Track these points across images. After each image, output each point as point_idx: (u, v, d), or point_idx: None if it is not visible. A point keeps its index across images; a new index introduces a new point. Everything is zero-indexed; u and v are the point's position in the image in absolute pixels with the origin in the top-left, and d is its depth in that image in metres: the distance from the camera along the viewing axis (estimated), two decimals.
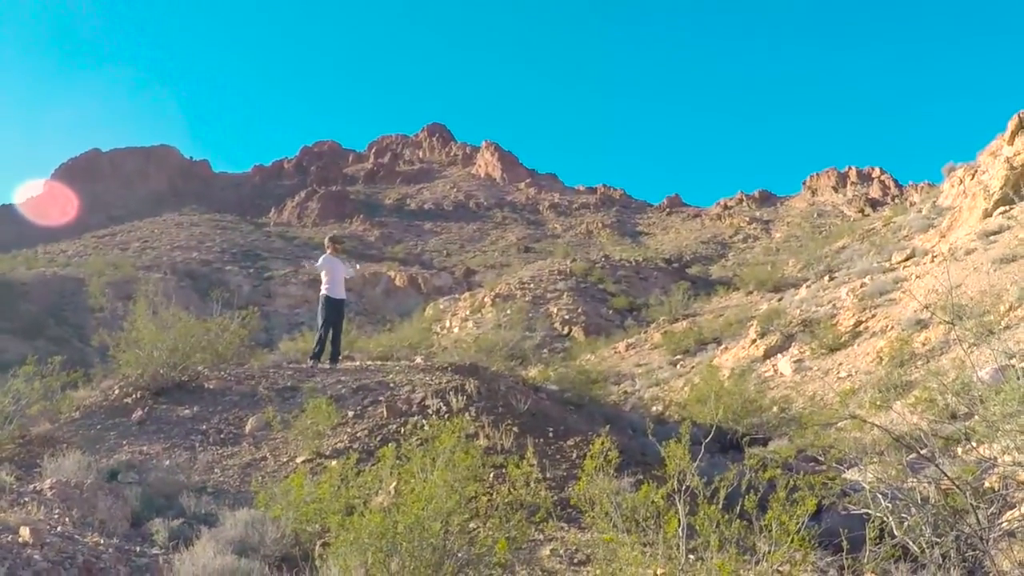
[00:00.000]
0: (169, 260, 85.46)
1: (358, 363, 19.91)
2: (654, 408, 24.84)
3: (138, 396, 15.65)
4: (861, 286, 31.74)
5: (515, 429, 13.25)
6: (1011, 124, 38.99)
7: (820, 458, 11.69)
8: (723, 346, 33.74)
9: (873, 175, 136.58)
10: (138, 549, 8.77)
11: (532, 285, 58.22)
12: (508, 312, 50.69)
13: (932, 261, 31.45)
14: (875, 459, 10.54)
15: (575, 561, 9.15)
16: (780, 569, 6.30)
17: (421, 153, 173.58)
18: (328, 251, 19.86)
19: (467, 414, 13.57)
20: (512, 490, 8.63)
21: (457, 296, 65.96)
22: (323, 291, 19.64)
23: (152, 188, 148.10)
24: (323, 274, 19.60)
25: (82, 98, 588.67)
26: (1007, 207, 32.01)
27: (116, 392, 15.95)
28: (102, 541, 8.57)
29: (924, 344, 22.36)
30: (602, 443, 7.70)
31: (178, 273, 77.03)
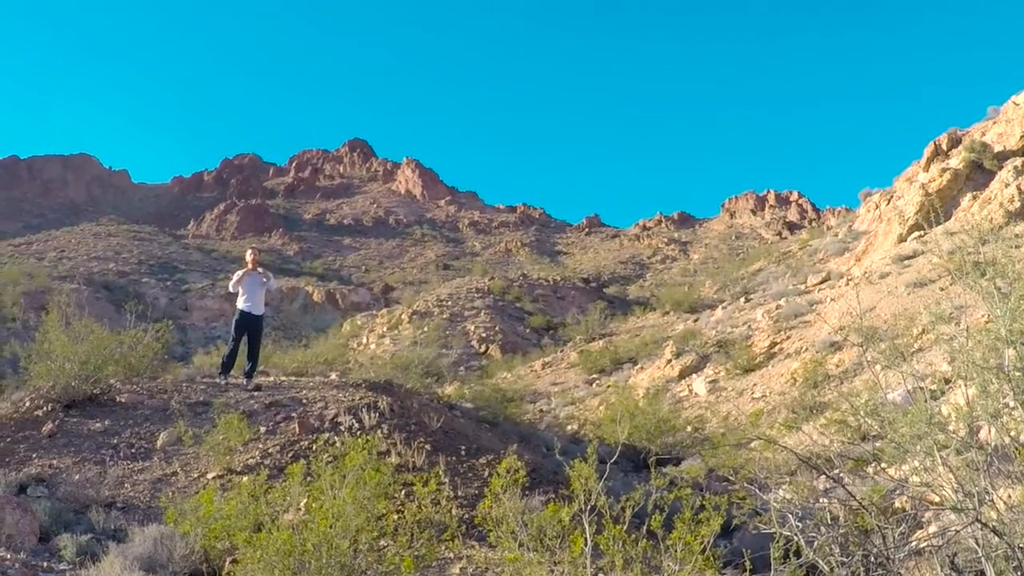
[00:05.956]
0: (85, 271, 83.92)
1: (272, 378, 19.67)
2: (569, 427, 24.91)
3: (49, 409, 15.33)
4: (776, 308, 32.06)
5: (427, 447, 13.21)
6: (927, 151, 39.95)
7: (731, 478, 11.74)
8: (639, 366, 33.91)
9: (791, 199, 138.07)
10: (45, 564, 8.74)
11: (450, 303, 58.10)
12: (425, 329, 50.61)
13: (847, 284, 31.88)
14: (786, 479, 10.58)
15: None
16: None
17: (342, 168, 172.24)
18: (249, 266, 19.00)
19: (379, 431, 13.51)
20: (421, 508, 8.55)
21: (374, 312, 65.65)
22: (241, 306, 18.80)
23: (70, 197, 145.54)
24: (241, 289, 18.81)
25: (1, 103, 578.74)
26: (921, 232, 32.58)
27: (27, 404, 15.61)
28: (8, 556, 8.49)
29: (837, 366, 22.63)
30: (510, 462, 7.64)
31: (94, 284, 75.66)
